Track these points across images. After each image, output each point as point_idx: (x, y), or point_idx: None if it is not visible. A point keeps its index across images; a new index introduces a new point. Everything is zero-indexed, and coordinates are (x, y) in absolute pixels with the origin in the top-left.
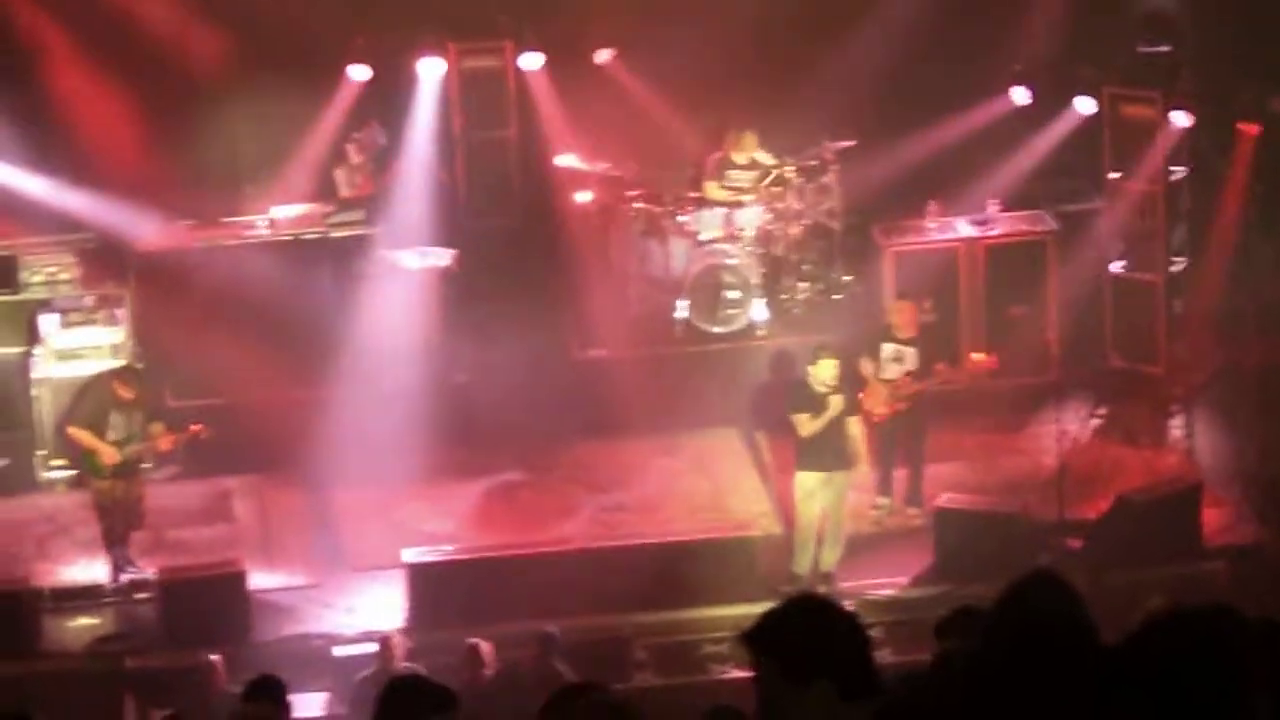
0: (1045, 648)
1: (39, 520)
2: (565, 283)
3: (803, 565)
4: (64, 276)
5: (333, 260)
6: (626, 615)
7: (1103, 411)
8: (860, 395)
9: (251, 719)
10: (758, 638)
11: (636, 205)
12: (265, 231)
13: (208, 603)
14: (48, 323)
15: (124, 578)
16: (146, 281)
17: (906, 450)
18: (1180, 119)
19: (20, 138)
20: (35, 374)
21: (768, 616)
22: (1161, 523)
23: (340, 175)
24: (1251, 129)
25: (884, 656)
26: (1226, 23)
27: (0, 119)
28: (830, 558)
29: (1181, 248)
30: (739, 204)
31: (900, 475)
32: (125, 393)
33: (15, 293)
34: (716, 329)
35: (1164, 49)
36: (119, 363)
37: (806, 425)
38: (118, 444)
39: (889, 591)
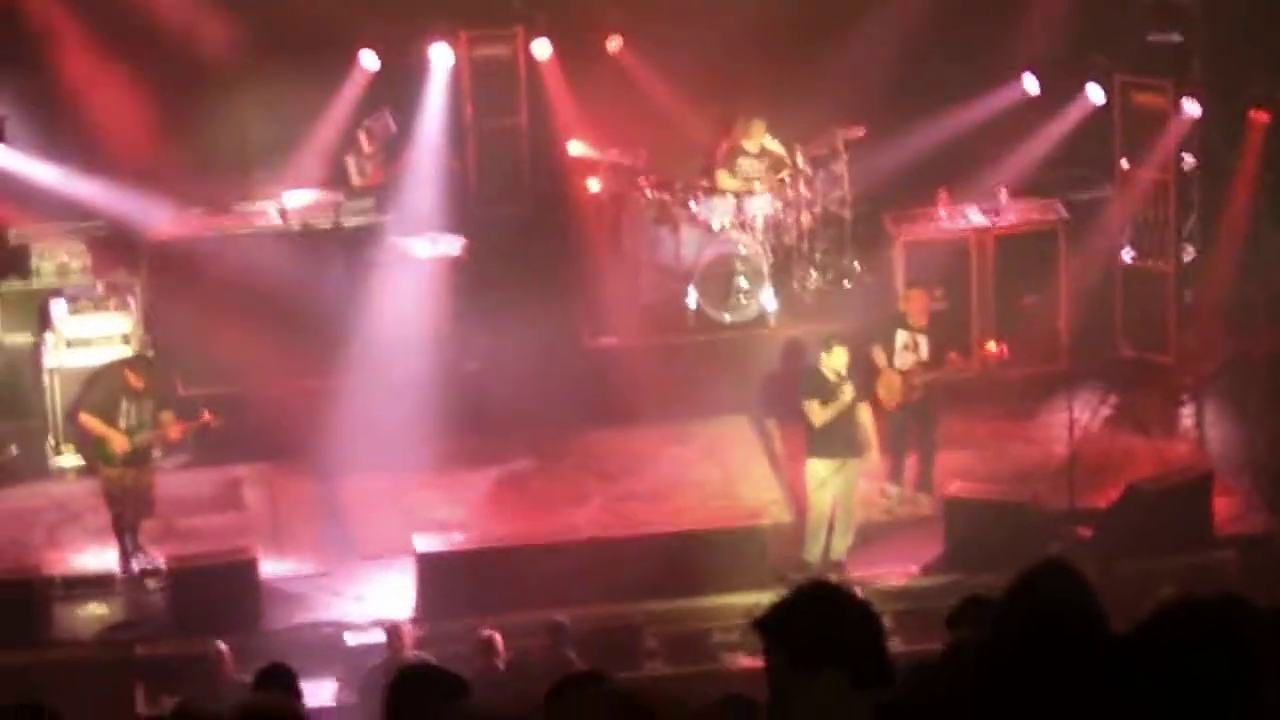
0: (1056, 637)
1: (50, 508)
2: (576, 271)
3: (813, 553)
4: (75, 264)
5: (343, 248)
6: (637, 604)
7: (1113, 400)
8: (873, 383)
9: (262, 706)
10: (769, 626)
11: (647, 193)
12: (276, 219)
13: (218, 591)
14: (59, 310)
15: (134, 566)
16: (157, 269)
17: (918, 438)
18: (1191, 108)
19: (31, 125)
20: (46, 362)
21: (779, 605)
22: (1172, 512)
23: (351, 163)
24: (1262, 118)
25: (894, 645)
26: (1237, 11)
27: (11, 106)
28: (841, 546)
29: (1192, 237)
30: (750, 192)
31: (911, 463)
32: (136, 381)
33: (26, 281)
34: (727, 317)
35: (1175, 38)
36: (130, 351)
37: (818, 413)
38: (128, 432)
39: (899, 580)
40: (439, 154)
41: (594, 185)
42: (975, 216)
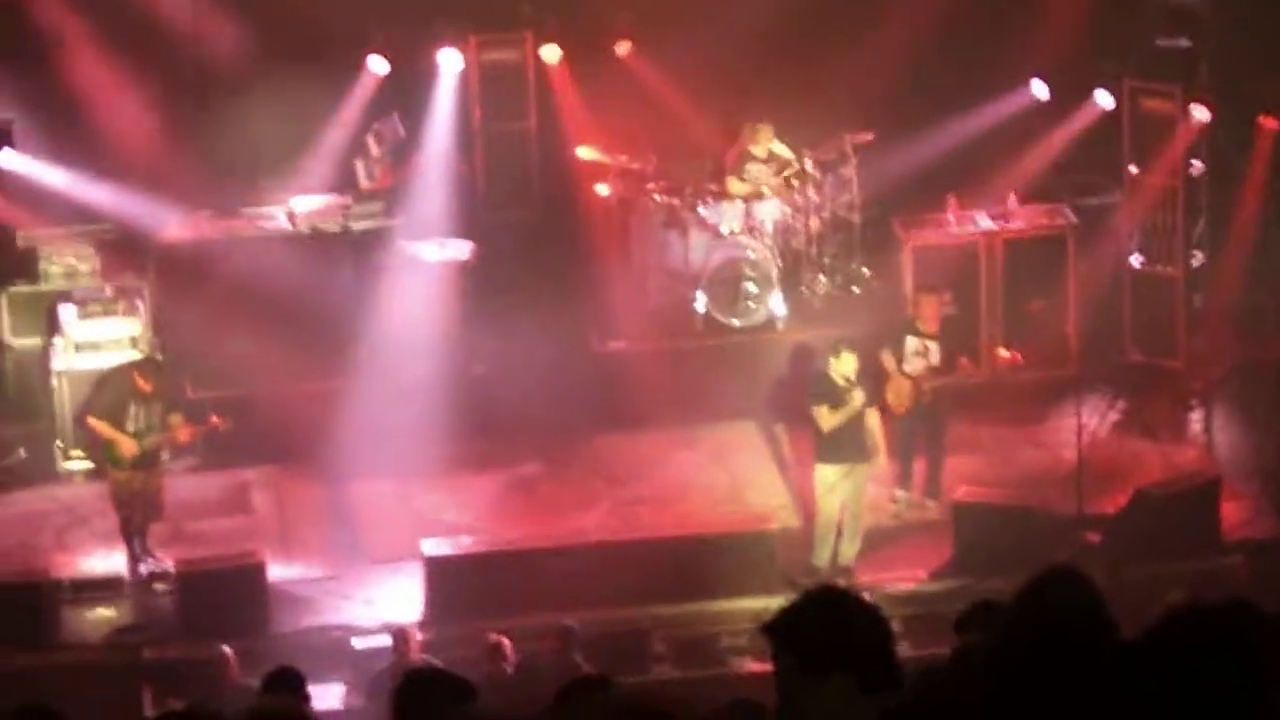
0: (1064, 643)
1: (58, 511)
2: (584, 275)
3: (822, 558)
4: (83, 268)
5: (352, 252)
6: (645, 608)
7: (1122, 406)
8: (882, 388)
9: (270, 710)
10: (777, 630)
11: (656, 198)
12: (284, 223)
13: (226, 594)
14: (67, 314)
15: (142, 569)
16: (166, 273)
17: (927, 444)
18: (1200, 113)
19: (40, 128)
20: (54, 365)
21: (787, 609)
22: (1180, 517)
23: (360, 167)
24: (1271, 123)
25: (902, 650)
26: (1247, 17)
27: (20, 109)
28: (849, 551)
29: (1201, 242)
30: (759, 197)
31: (920, 468)
32: (144, 384)
33: (35, 284)
34: (736, 322)
35: (1184, 43)
36: (138, 354)
37: (827, 418)
38: (137, 435)
39: (907, 585)
40: (448, 158)
41: (603, 190)
42: (984, 221)
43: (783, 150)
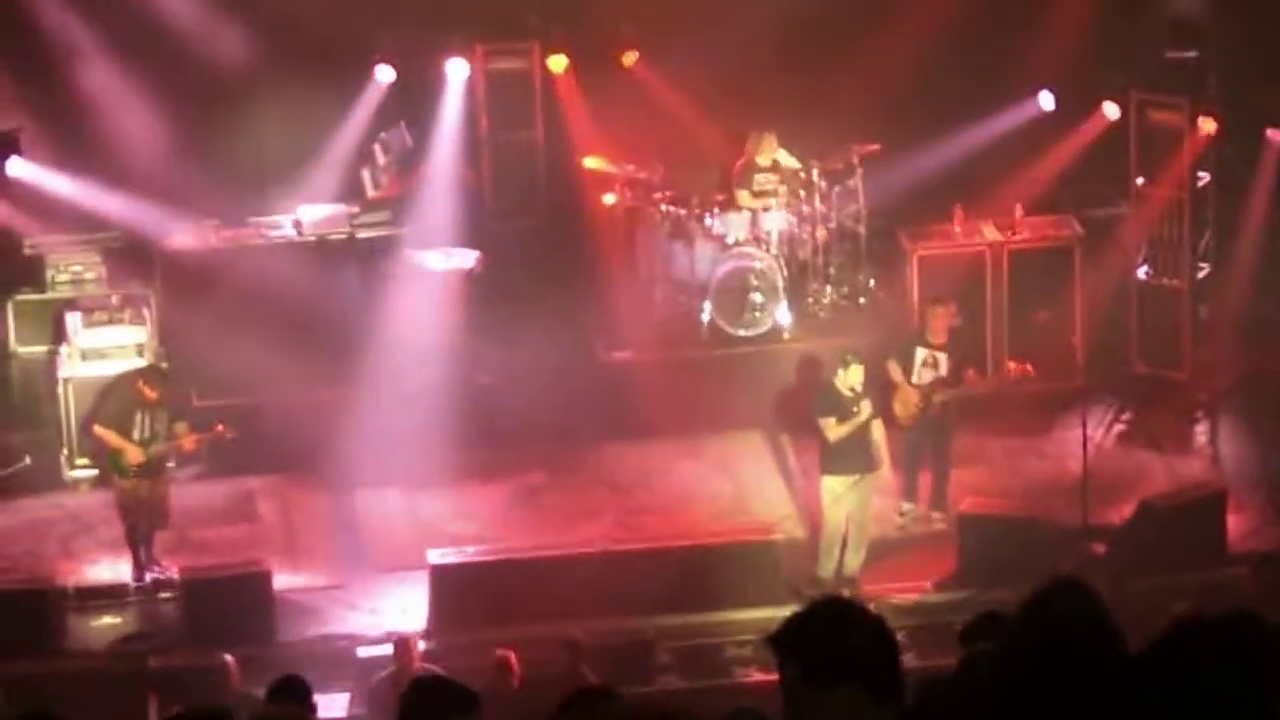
0: (1069, 654)
1: (63, 519)
2: (590, 284)
3: (827, 569)
4: (90, 276)
5: (358, 261)
6: (650, 618)
7: (1127, 417)
8: (891, 399)
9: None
10: (782, 641)
11: (662, 207)
12: (291, 232)
13: (231, 603)
14: (73, 321)
15: (148, 577)
16: (172, 281)
17: (933, 455)
18: (1207, 125)
19: (47, 137)
20: (61, 373)
21: (792, 619)
22: (1185, 528)
23: (366, 176)
24: (1278, 136)
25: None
26: (1254, 29)
27: (28, 118)
28: (854, 561)
29: (1207, 254)
30: (765, 207)
31: (926, 480)
32: (150, 392)
33: (41, 291)
34: (741, 332)
35: (1191, 55)
36: (144, 362)
37: (834, 430)
38: (143, 443)
39: (912, 596)
40: (454, 167)
41: (609, 199)
42: (990, 232)
43: (788, 160)
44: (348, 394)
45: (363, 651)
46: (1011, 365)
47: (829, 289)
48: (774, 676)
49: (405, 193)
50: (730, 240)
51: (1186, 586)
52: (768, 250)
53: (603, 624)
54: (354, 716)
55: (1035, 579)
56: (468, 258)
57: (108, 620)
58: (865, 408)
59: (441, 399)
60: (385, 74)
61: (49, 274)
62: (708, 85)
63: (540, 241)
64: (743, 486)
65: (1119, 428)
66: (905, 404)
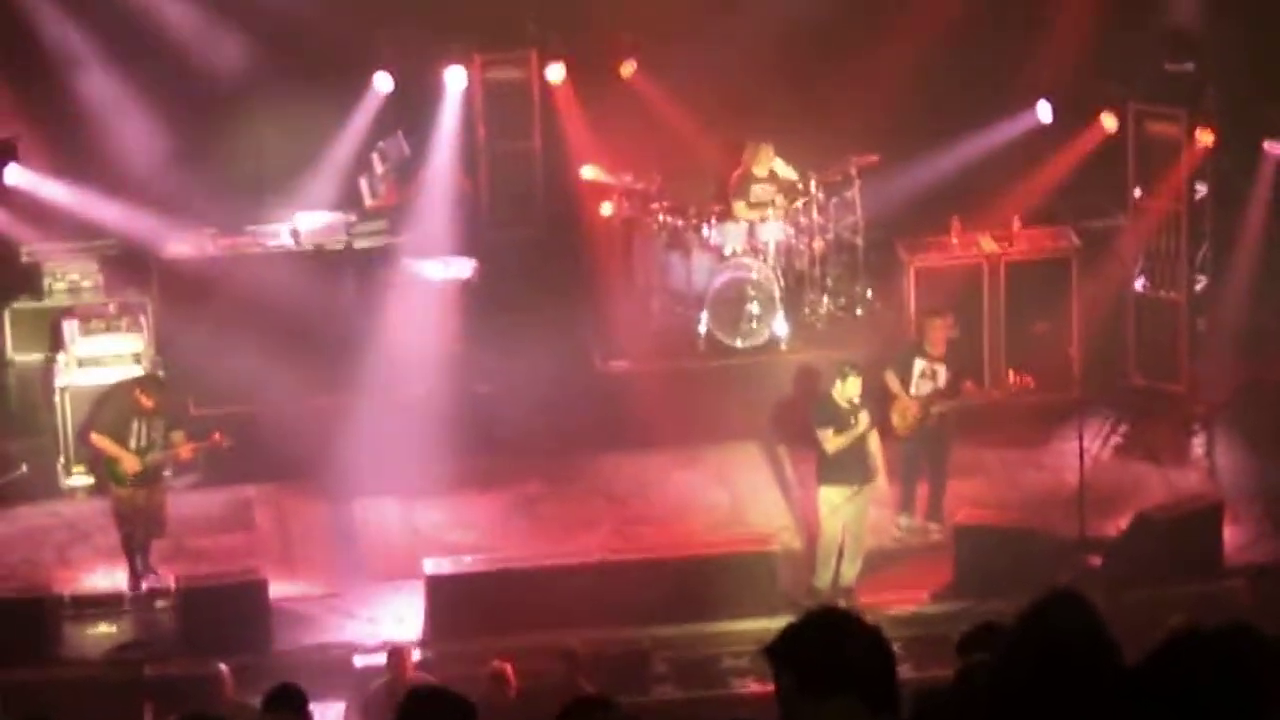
0: (1066, 666)
1: (60, 527)
2: (588, 295)
3: (824, 580)
4: (87, 283)
5: (356, 270)
6: (646, 628)
7: (1124, 429)
8: (889, 410)
9: None
10: (778, 651)
11: (660, 218)
12: (288, 240)
13: (228, 611)
14: (70, 329)
15: (144, 585)
16: (169, 289)
17: (930, 466)
18: (1204, 137)
19: (45, 145)
20: (57, 381)
21: (788, 630)
22: (1182, 541)
23: (364, 184)
24: (1276, 148)
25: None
26: (1251, 41)
27: (25, 126)
28: (850, 572)
29: (1204, 266)
30: (762, 218)
31: (922, 491)
32: (147, 401)
33: (38, 299)
34: (739, 343)
35: (1188, 67)
36: (141, 371)
37: (833, 441)
38: (139, 452)
39: (908, 607)
40: (452, 177)
41: (607, 209)
42: (988, 244)
43: (785, 171)
44: (345, 403)
45: (359, 660)
46: (1012, 377)
47: (826, 300)
48: (770, 687)
49: (403, 202)
50: (727, 251)
51: (1183, 598)
52: (765, 261)
53: (599, 634)
54: None
55: (1032, 590)
56: (465, 267)
57: (104, 628)
58: (863, 419)
59: (438, 408)
60: (383, 83)
61: (46, 282)
62: (705, 95)
63: (537, 251)
64: (739, 497)
65: (1116, 439)
66: (903, 415)
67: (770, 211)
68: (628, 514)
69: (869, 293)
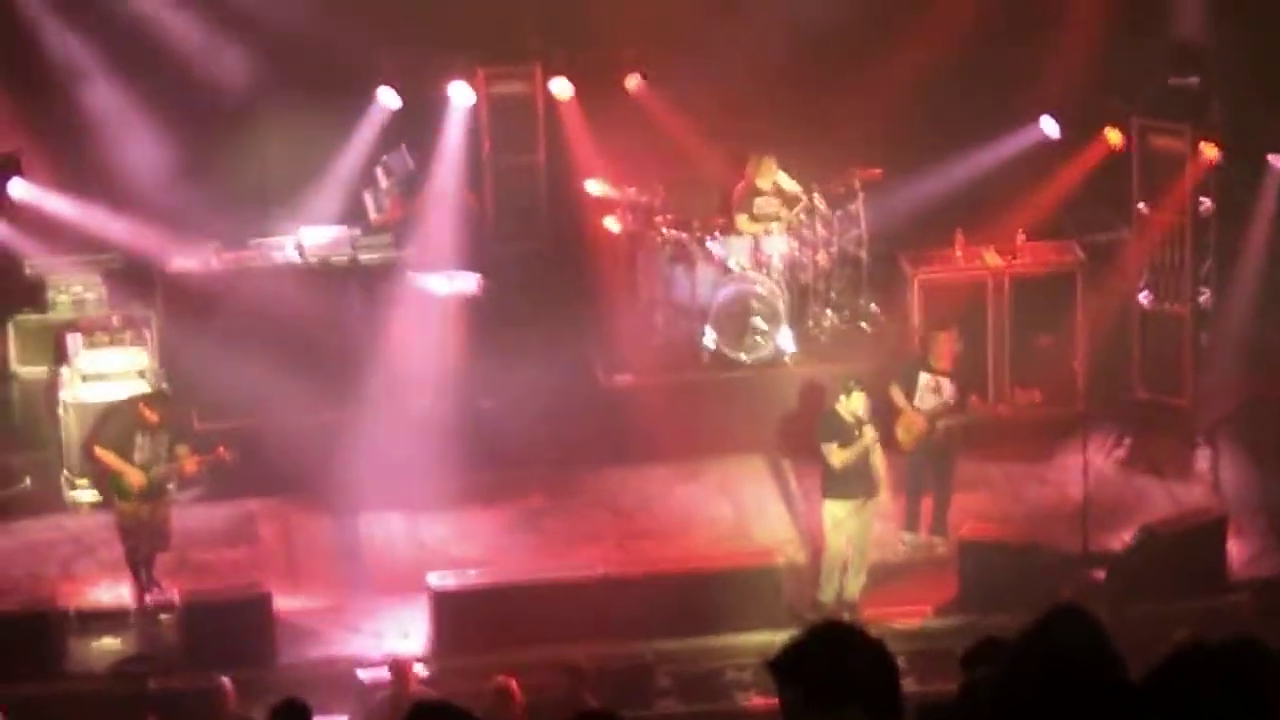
0: (1070, 681)
1: (64, 541)
2: (592, 308)
3: (828, 594)
4: (91, 297)
5: (360, 284)
6: (650, 642)
7: (1128, 442)
8: (894, 424)
9: None
10: (782, 665)
11: (664, 231)
12: (293, 254)
13: (232, 625)
14: (74, 343)
15: (148, 599)
16: (173, 303)
17: (936, 480)
18: (1209, 151)
19: (49, 158)
20: (61, 395)
21: (792, 644)
22: (1186, 555)
23: (369, 199)
24: None
25: (907, 686)
26: (1255, 55)
27: (30, 139)
28: (854, 586)
29: (1209, 280)
30: (766, 231)
31: (927, 505)
32: (151, 415)
33: (42, 313)
34: (743, 356)
35: (1193, 81)
36: (145, 385)
37: (838, 455)
38: (143, 466)
39: (912, 621)
40: (456, 191)
41: (611, 223)
42: (992, 258)
43: (789, 184)
44: (349, 417)
45: (363, 674)
46: (1018, 394)
47: (830, 313)
48: (774, 701)
49: (407, 216)
50: (732, 264)
51: (1187, 613)
52: (769, 275)
53: (603, 647)
54: None
55: (1035, 605)
56: (469, 281)
57: (108, 642)
58: (868, 433)
59: (442, 422)
60: (388, 97)
61: (50, 295)
62: (709, 109)
63: (542, 265)
64: (744, 511)
65: (1120, 453)
66: (909, 429)
67: (774, 225)
68: (632, 528)
69: (873, 306)
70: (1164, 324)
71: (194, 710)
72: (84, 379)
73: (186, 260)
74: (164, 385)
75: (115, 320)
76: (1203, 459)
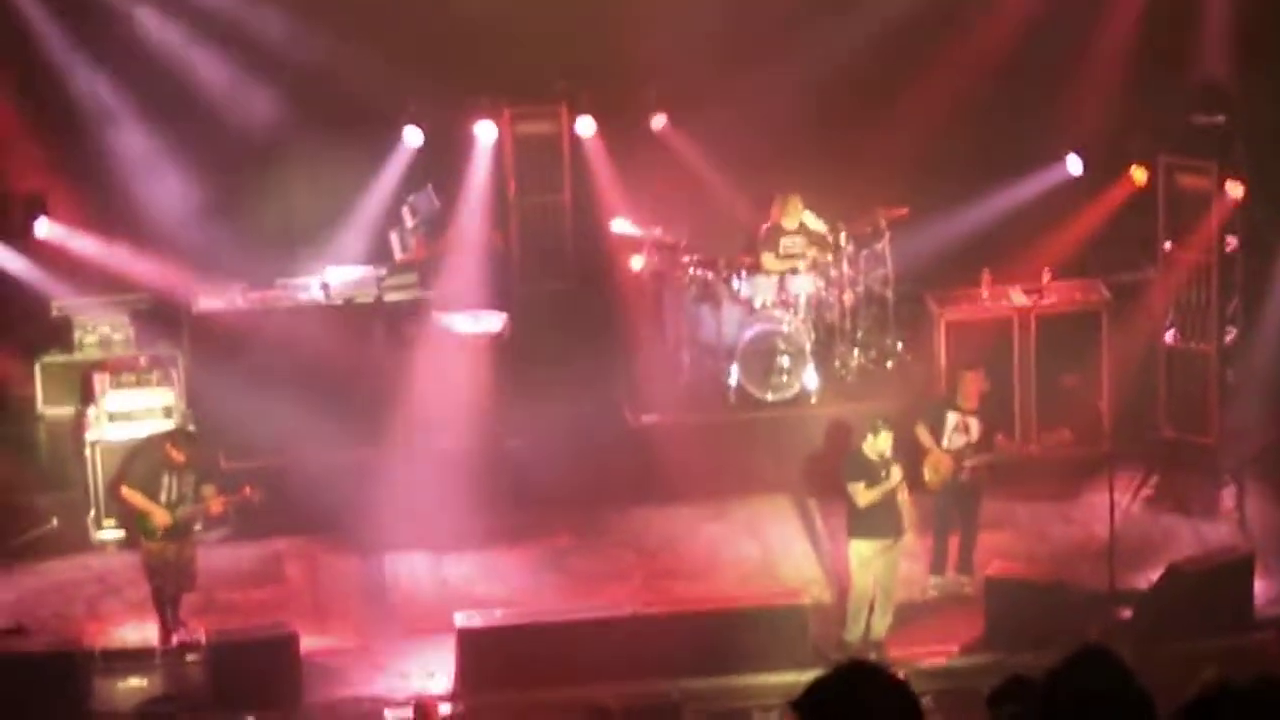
0: None
1: (90, 581)
2: (618, 348)
3: (854, 633)
4: (118, 337)
5: (386, 323)
6: (676, 681)
7: (1154, 481)
8: (921, 464)
9: None
10: (805, 705)
11: (690, 271)
12: (319, 294)
13: (258, 665)
14: (101, 383)
15: (175, 639)
16: (200, 343)
17: (963, 519)
18: (1234, 189)
19: (76, 198)
20: (88, 435)
21: (815, 684)
22: (1213, 593)
23: (395, 238)
24: None
25: None
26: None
27: (57, 179)
28: (881, 625)
29: (1235, 318)
30: (792, 270)
31: (953, 544)
32: (177, 455)
33: (69, 353)
34: (769, 396)
35: (1218, 119)
36: (172, 424)
37: (864, 495)
38: (170, 506)
39: (939, 660)
40: (482, 230)
41: (637, 263)
42: (1018, 297)
43: (815, 223)
44: (375, 456)
45: (389, 714)
46: (1045, 432)
47: (856, 353)
48: None
49: (433, 255)
50: (757, 304)
51: (1213, 652)
52: (795, 314)
53: (629, 687)
54: None
55: (1062, 644)
56: (495, 321)
57: (134, 682)
58: (895, 473)
59: (468, 461)
60: (413, 137)
61: (77, 335)
62: (734, 148)
63: (568, 304)
64: (770, 550)
65: (1146, 492)
66: (936, 469)
67: (800, 264)
68: (658, 567)
69: (899, 345)
70: (1190, 362)
71: None
72: (110, 419)
73: (213, 300)
74: (190, 425)
75: (142, 360)
76: (1229, 497)
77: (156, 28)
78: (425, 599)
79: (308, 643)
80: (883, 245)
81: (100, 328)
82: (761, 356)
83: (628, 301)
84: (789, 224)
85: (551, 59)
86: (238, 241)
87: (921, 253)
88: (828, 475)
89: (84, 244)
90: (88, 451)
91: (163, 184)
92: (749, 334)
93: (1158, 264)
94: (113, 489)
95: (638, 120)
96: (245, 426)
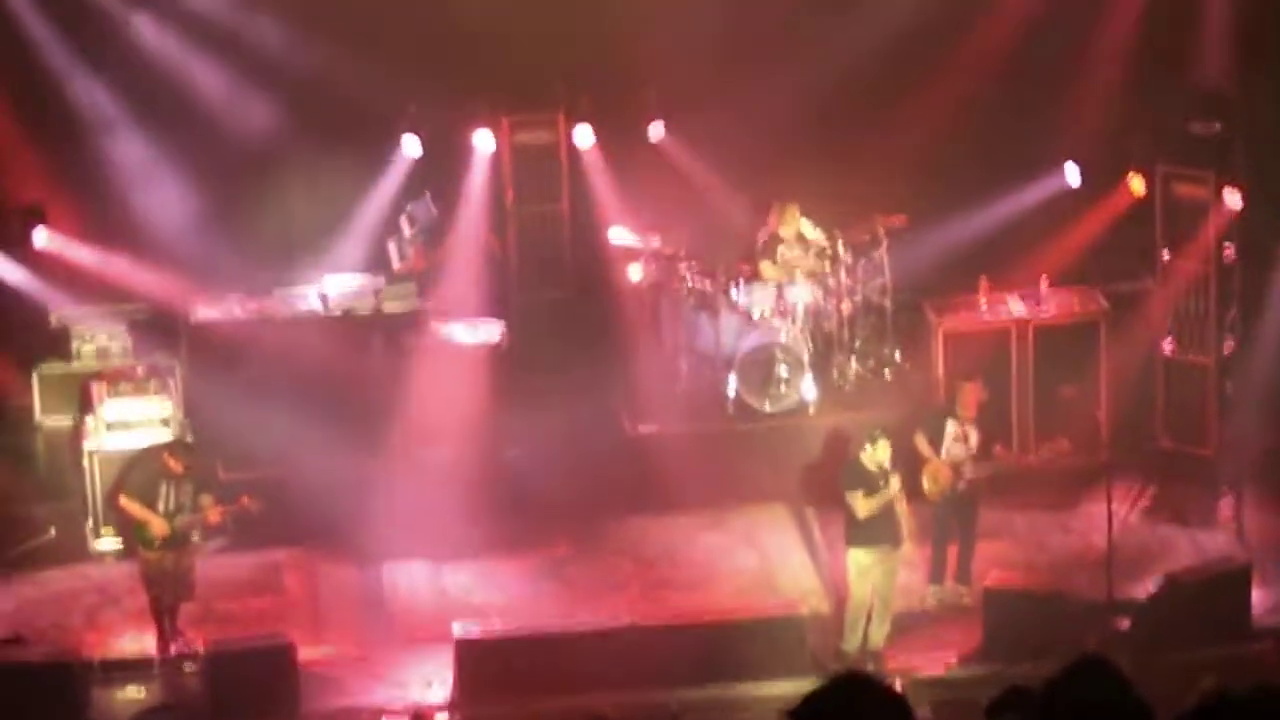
0: None
1: (88, 591)
2: (616, 357)
3: (852, 643)
4: (115, 347)
5: (384, 333)
6: (674, 691)
7: (1152, 492)
8: (921, 474)
9: None
10: (802, 716)
11: (688, 280)
12: (317, 304)
13: (256, 675)
14: (99, 393)
15: (173, 649)
16: (198, 352)
17: (961, 529)
18: (1233, 199)
19: (74, 208)
20: (86, 445)
21: (811, 695)
22: (1211, 603)
23: (392, 248)
24: None
25: None
26: (1278, 102)
27: (54, 189)
28: (879, 635)
29: (1233, 328)
30: (790, 280)
31: (952, 553)
32: (175, 465)
33: (67, 363)
34: (767, 406)
35: (1216, 128)
36: (170, 434)
37: (863, 504)
38: (168, 516)
39: (937, 670)
40: (480, 239)
41: (635, 272)
42: (1016, 306)
43: (813, 232)
44: (373, 466)
45: None
46: (1044, 442)
47: (854, 362)
48: None
49: (431, 265)
50: (755, 313)
51: (1212, 661)
52: (793, 323)
53: (627, 696)
54: None
55: (1060, 654)
56: (493, 330)
57: (133, 692)
58: (893, 482)
59: (467, 471)
60: (411, 146)
61: (75, 345)
62: (732, 157)
63: (566, 314)
64: (768, 560)
65: (1144, 502)
66: (935, 478)
67: (797, 273)
68: (655, 577)
69: (897, 355)
70: (1188, 373)
71: None
72: (108, 428)
73: (211, 310)
74: (188, 435)
75: (140, 370)
76: (1227, 508)
77: (154, 36)
78: (423, 609)
79: (306, 652)
80: (881, 254)
81: (98, 337)
82: (760, 366)
83: (626, 311)
84: (786, 233)
85: (550, 63)
86: (236, 251)
87: (920, 261)
88: (826, 485)
89: (82, 254)
90: (85, 461)
91: (161, 193)
92: (747, 343)
93: (1156, 274)
94: (111, 499)
95: (636, 127)
96: (243, 436)
